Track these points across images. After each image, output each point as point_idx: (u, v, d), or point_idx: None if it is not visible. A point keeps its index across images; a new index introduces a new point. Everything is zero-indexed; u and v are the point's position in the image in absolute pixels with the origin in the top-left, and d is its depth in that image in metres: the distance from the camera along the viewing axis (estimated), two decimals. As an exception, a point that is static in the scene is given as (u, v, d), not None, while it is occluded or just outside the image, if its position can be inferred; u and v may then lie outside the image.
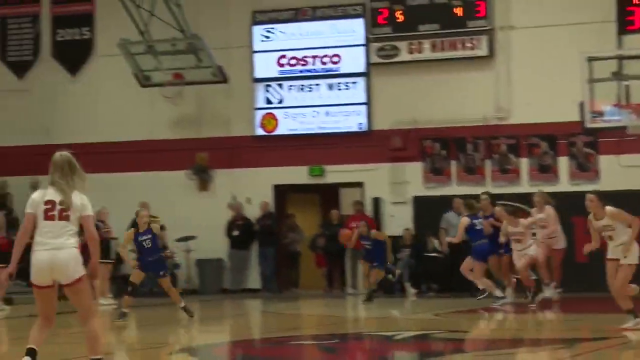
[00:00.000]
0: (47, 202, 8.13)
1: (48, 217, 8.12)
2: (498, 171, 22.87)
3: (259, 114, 23.96)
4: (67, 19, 25.88)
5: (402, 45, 23.02)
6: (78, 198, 8.15)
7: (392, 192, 23.36)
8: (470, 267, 17.57)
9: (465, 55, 22.85)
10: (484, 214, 18.51)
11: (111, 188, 23.67)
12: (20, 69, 26.08)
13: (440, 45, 22.68)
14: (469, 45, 22.82)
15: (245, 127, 24.25)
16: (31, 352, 8.15)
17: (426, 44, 22.82)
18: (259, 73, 23.89)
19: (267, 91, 24.15)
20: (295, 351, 13.10)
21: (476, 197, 20.31)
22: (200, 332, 16.85)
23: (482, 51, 22.71)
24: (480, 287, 17.63)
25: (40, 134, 25.26)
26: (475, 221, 18.61)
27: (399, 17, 23.02)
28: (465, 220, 17.13)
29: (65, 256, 8.15)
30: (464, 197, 20.64)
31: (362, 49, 23.27)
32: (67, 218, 8.12)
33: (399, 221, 23.16)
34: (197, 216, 23.82)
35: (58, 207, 8.13)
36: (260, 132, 24.06)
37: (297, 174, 23.96)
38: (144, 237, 17.59)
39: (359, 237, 19.70)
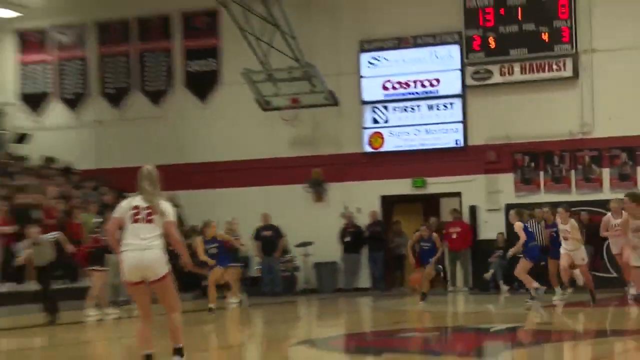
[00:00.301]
0: (133, 208, 8.94)
1: (135, 220, 8.98)
2: (582, 180, 24.26)
3: (367, 133, 25.44)
4: (196, 52, 27.70)
5: (494, 68, 24.59)
6: (162, 205, 9.07)
7: (487, 200, 24.89)
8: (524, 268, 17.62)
9: (552, 77, 24.22)
10: (546, 223, 20.03)
11: (238, 201, 25.74)
12: (157, 97, 27.91)
13: (529, 68, 24.19)
14: (555, 67, 24.19)
15: (355, 145, 25.65)
16: (149, 357, 9.24)
17: (516, 67, 24.38)
18: (366, 96, 25.40)
19: (374, 112, 25.51)
20: (402, 342, 13.72)
21: (529, 206, 21.77)
22: (318, 327, 18.01)
23: (567, 72, 24.10)
24: (533, 285, 17.68)
25: (174, 154, 27.02)
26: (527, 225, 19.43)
27: (491, 43, 24.66)
28: (519, 224, 17.20)
29: (152, 256, 9.00)
30: (527, 205, 21.53)
31: (458, 73, 24.74)
32: (152, 221, 8.98)
33: (492, 226, 24.54)
34: (313, 224, 25.34)
35: (144, 211, 8.98)
36: (368, 149, 25.49)
37: (401, 186, 25.45)
38: (211, 245, 19.36)
39: (419, 239, 19.90)
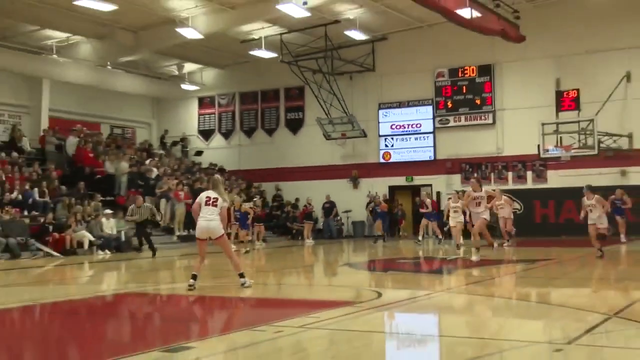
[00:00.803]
0: (207, 197, 10.61)
1: (206, 204, 10.55)
2: (497, 178, 27.51)
3: (382, 152, 29.80)
4: (291, 108, 32.25)
5: (451, 118, 28.37)
6: (220, 197, 10.62)
7: (446, 188, 27.83)
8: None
9: (481, 123, 27.70)
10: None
11: (312, 188, 29.29)
12: (270, 132, 32.59)
13: (469, 118, 27.94)
14: (483, 118, 27.71)
15: (375, 158, 30.03)
16: (194, 276, 10.57)
17: (462, 117, 28.14)
18: (381, 132, 29.82)
19: (385, 141, 29.85)
20: (399, 265, 16.25)
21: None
22: (353, 256, 21.03)
23: (489, 120, 27.57)
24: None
25: (279, 161, 31.60)
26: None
27: (449, 104, 28.18)
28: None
29: (214, 224, 10.51)
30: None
31: (431, 120, 28.32)
32: (215, 205, 10.53)
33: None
34: (352, 200, 29.68)
35: (212, 199, 10.54)
36: (382, 160, 29.76)
37: (400, 180, 29.43)
38: (236, 213, 21.70)
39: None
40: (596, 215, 15.72)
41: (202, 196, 10.68)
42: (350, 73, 29.79)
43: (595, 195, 15.93)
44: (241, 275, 10.59)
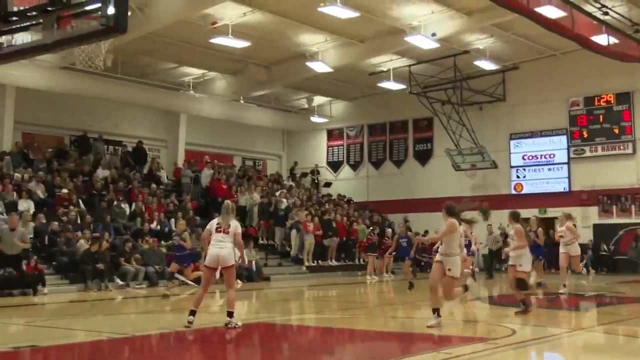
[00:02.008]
0: (217, 224, 10.23)
1: (217, 231, 10.20)
2: (638, 210, 26.43)
3: (513, 183, 29.26)
4: (420, 139, 32.18)
5: (586, 148, 27.40)
6: (233, 224, 10.27)
7: (581, 221, 26.00)
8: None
9: (620, 153, 26.72)
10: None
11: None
12: (399, 164, 32.61)
13: (606, 148, 26.98)
14: (622, 147, 26.71)
15: (506, 189, 29.34)
16: (193, 312, 10.02)
17: (599, 147, 27.16)
18: (513, 163, 29.32)
19: (517, 172, 29.28)
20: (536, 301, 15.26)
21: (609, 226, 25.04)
22: (485, 290, 21.24)
23: (629, 150, 26.56)
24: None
25: (407, 193, 31.53)
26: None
27: (585, 134, 27.30)
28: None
29: (225, 252, 10.10)
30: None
31: (565, 151, 27.66)
32: (227, 233, 10.16)
33: (584, 237, 23.23)
34: (482, 233, 26.15)
35: (223, 227, 10.19)
36: (514, 192, 29.13)
37: (532, 212, 24.97)
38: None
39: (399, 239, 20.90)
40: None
41: (213, 223, 10.33)
42: (480, 103, 29.47)
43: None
44: (230, 315, 10.05)
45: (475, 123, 28.96)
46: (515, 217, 12.39)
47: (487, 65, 27.36)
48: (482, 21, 23.05)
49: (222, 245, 10.04)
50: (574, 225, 17.45)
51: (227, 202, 10.63)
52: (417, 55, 26.55)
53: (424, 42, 23.40)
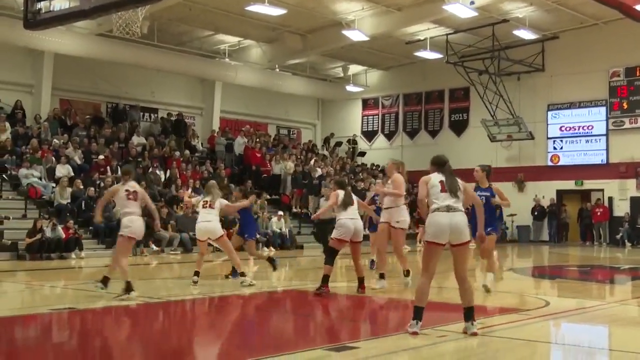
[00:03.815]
0: (204, 201, 11.33)
1: (203, 207, 11.30)
2: None
3: (550, 155, 28.95)
4: (455, 109, 31.95)
5: (626, 120, 27.08)
6: (218, 201, 11.32)
7: (619, 194, 27.05)
8: None
9: None
10: None
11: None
12: (434, 134, 32.30)
13: None
14: None
15: (542, 161, 29.17)
16: (197, 273, 11.39)
17: (639, 119, 26.82)
18: (550, 134, 28.99)
19: (554, 143, 28.97)
20: (565, 272, 15.99)
21: None
22: (518, 260, 20.93)
23: None
24: None
25: None
26: None
27: (624, 105, 27.01)
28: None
29: (212, 225, 11.21)
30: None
31: (604, 122, 27.40)
32: (212, 207, 11.25)
33: (621, 209, 26.79)
34: (517, 204, 25.69)
35: (208, 203, 11.27)
36: (550, 163, 28.95)
37: (568, 184, 28.50)
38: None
39: None
40: None
41: (199, 200, 11.63)
42: (518, 73, 29.00)
43: None
44: (242, 274, 11.36)
45: (512, 94, 28.67)
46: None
47: (526, 34, 26.92)
48: (522, -11, 22.46)
49: (209, 219, 11.20)
50: None
51: (212, 181, 12.18)
52: (455, 24, 26.23)
53: (461, 11, 23.13)
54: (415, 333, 6.86)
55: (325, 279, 10.11)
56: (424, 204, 7.19)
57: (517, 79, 29.22)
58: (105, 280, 10.14)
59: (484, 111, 29.28)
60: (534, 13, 25.83)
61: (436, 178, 7.25)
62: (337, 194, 10.30)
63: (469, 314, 6.96)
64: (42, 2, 9.00)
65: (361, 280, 10.60)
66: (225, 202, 11.56)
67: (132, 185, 9.91)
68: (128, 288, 9.65)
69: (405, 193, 11.05)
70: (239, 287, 11.33)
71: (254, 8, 22.74)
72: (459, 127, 32.07)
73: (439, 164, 7.53)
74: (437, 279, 13.27)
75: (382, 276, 11.09)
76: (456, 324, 7.45)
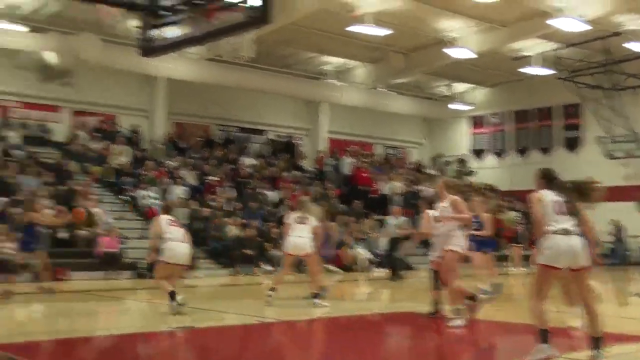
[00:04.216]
0: (298, 217, 11.41)
1: (297, 222, 11.35)
2: None
3: None
4: (568, 126, 30.70)
5: None
6: (311, 217, 11.41)
7: None
8: None
9: None
10: None
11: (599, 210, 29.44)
12: (546, 151, 31.28)
13: None
14: None
15: None
16: (273, 289, 11.29)
17: None
18: None
19: None
20: None
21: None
22: None
23: None
24: None
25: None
26: None
27: None
28: None
29: (302, 241, 11.17)
30: None
31: None
32: (305, 224, 11.25)
33: None
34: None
35: (302, 219, 11.26)
36: None
37: None
38: None
39: None
40: None
41: (293, 216, 11.51)
42: (635, 87, 27.87)
43: None
44: (315, 295, 11.22)
45: (629, 108, 27.63)
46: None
47: (640, 47, 25.71)
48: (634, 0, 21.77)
49: (301, 235, 11.23)
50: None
51: (304, 197, 12.84)
52: (564, 38, 25.29)
53: (570, 25, 22.42)
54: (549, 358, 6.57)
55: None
56: (541, 225, 6.85)
57: (634, 93, 28.02)
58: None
59: (598, 127, 28.44)
60: (648, 25, 24.69)
61: (549, 196, 6.90)
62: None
63: (597, 341, 6.65)
64: (156, 31, 9.32)
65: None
66: (316, 221, 11.62)
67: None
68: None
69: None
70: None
71: (359, 29, 22.82)
72: (572, 144, 31.07)
73: (550, 178, 7.15)
74: (554, 302, 12.85)
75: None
76: (582, 351, 7.10)
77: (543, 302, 6.76)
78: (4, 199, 17.79)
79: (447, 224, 9.61)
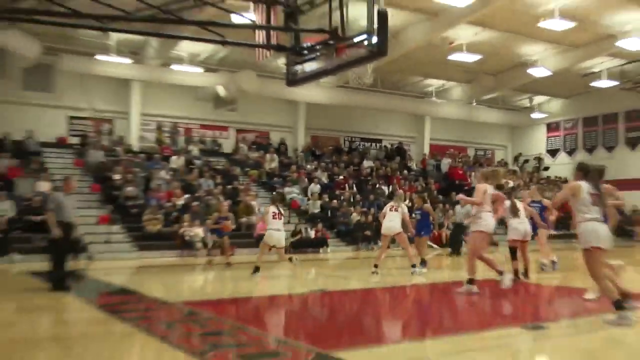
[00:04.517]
0: (390, 206, 11.14)
1: (390, 210, 11.12)
2: None
3: None
4: (631, 127, 28.63)
5: None
6: (402, 205, 11.11)
7: None
8: None
9: None
10: None
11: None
12: (610, 149, 29.25)
13: None
14: None
15: None
16: (376, 265, 11.10)
17: None
18: None
19: None
20: None
21: None
22: None
23: None
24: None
25: (619, 174, 25.56)
26: None
27: None
28: None
29: (393, 224, 10.96)
30: None
31: None
32: (397, 211, 11.03)
33: None
34: None
35: (394, 207, 11.04)
36: None
37: None
38: None
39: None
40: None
41: (387, 206, 11.32)
42: (691, 94, 25.65)
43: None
44: (413, 266, 11.08)
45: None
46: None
47: (697, 60, 23.83)
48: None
49: (392, 219, 10.99)
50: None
51: (400, 191, 12.83)
52: (628, 55, 23.67)
53: (635, 45, 21.04)
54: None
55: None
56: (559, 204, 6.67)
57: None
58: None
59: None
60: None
61: (586, 187, 6.45)
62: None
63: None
64: (298, 66, 9.58)
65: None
66: (406, 209, 11.34)
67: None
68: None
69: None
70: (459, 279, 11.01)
71: (456, 57, 22.44)
72: (634, 143, 29.10)
73: (585, 170, 6.68)
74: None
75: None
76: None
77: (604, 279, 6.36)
78: (188, 196, 18.56)
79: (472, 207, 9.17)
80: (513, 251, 10.45)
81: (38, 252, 12.52)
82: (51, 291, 8.89)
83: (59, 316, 7.39)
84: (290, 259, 11.44)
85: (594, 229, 6.34)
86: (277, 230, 10.82)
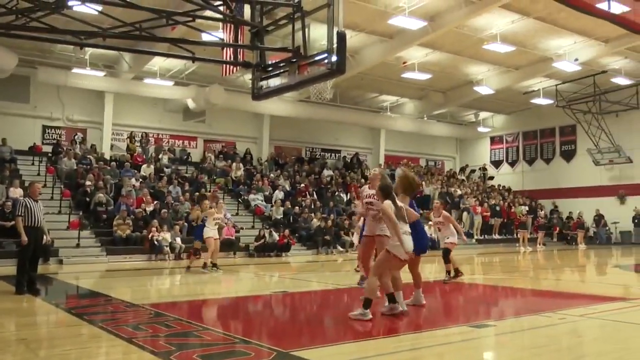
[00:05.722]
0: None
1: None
2: None
3: None
4: (565, 141, 29.32)
5: None
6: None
7: None
8: None
9: None
10: None
11: (583, 204, 26.50)
12: (547, 162, 30.03)
13: None
14: None
15: None
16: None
17: None
18: None
19: None
20: None
21: None
22: (622, 257, 18.42)
23: None
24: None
25: (556, 183, 28.88)
26: None
27: None
28: None
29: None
30: None
31: None
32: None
33: None
34: (619, 214, 25.94)
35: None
36: None
37: None
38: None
39: None
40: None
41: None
42: (617, 112, 26.55)
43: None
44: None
45: (612, 127, 26.52)
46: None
47: (622, 81, 24.80)
48: (617, 46, 21.00)
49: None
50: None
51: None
52: (562, 76, 24.58)
53: (568, 66, 21.84)
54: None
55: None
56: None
57: (615, 116, 26.69)
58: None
59: (589, 142, 27.17)
60: (628, 64, 23.69)
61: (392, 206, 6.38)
62: None
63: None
64: (263, 81, 9.57)
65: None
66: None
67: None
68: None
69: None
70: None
71: (409, 75, 22.77)
72: (568, 155, 29.74)
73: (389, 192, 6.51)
74: (556, 273, 12.38)
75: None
76: (574, 309, 6.87)
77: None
78: (157, 202, 18.24)
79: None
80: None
81: (10, 256, 12.02)
82: (17, 294, 8.50)
83: (26, 319, 7.07)
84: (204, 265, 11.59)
85: (405, 240, 6.35)
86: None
